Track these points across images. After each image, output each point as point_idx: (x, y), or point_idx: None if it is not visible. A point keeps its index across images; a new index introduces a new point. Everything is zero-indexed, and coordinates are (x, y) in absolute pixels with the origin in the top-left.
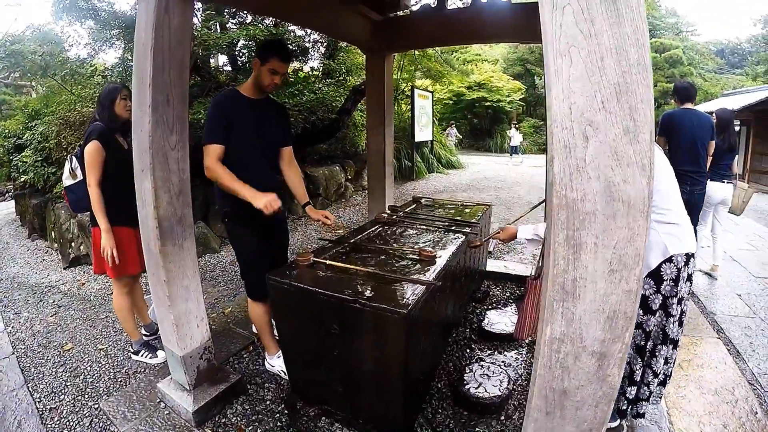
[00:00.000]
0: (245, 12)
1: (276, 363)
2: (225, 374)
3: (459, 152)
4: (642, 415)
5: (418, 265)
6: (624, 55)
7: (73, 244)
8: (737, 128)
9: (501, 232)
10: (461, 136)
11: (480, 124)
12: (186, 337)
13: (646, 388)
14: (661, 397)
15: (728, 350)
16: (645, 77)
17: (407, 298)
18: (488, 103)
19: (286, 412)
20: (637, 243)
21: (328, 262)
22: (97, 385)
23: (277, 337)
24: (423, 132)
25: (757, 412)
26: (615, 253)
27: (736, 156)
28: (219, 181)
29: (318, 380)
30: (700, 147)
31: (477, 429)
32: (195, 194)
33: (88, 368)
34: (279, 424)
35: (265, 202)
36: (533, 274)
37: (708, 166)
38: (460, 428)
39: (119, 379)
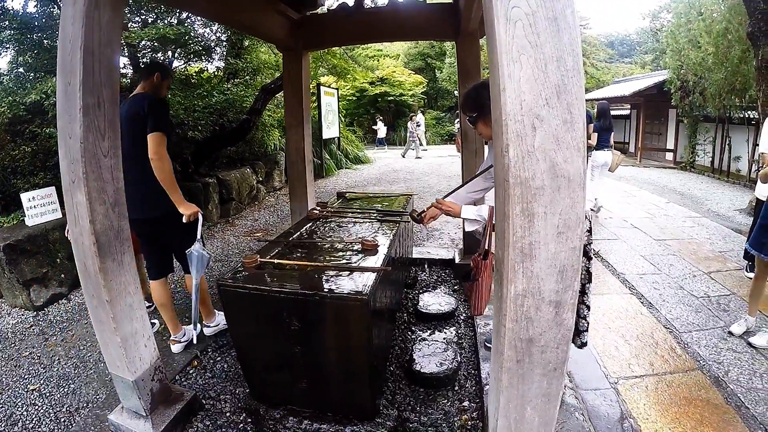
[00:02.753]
0: (148, 10)
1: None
2: (179, 393)
3: (365, 147)
4: (585, 344)
5: (363, 254)
6: (563, 62)
7: None
8: (627, 112)
9: (443, 205)
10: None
11: (383, 119)
12: (135, 359)
13: (584, 321)
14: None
15: (641, 303)
16: (579, 80)
17: (364, 285)
18: (391, 98)
19: (249, 420)
20: (577, 209)
21: (276, 261)
22: (40, 430)
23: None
24: (330, 129)
25: (676, 350)
26: (561, 218)
27: (612, 132)
28: (163, 173)
29: (280, 381)
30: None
31: (438, 401)
32: None
33: (25, 413)
34: None
35: (190, 213)
36: (481, 254)
37: (595, 141)
38: (420, 404)
39: (62, 420)
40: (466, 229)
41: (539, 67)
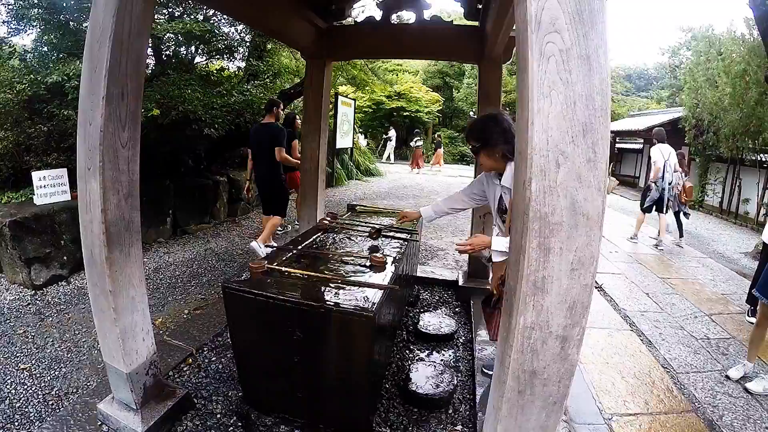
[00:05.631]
0: (175, 4)
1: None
2: (171, 390)
3: (376, 160)
4: None
5: (371, 270)
6: (591, 101)
7: None
8: (640, 146)
9: (475, 238)
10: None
11: (397, 134)
12: (132, 352)
13: None
14: None
15: (641, 340)
16: (605, 120)
17: (371, 302)
18: (407, 113)
19: (239, 424)
20: (592, 247)
21: (284, 268)
22: (26, 410)
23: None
24: (344, 139)
25: (672, 390)
26: (576, 255)
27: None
28: (285, 162)
29: (276, 388)
30: None
31: (431, 422)
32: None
33: (13, 391)
34: None
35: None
36: (503, 282)
37: None
38: (413, 425)
39: (50, 402)
40: (494, 260)
41: (568, 104)
